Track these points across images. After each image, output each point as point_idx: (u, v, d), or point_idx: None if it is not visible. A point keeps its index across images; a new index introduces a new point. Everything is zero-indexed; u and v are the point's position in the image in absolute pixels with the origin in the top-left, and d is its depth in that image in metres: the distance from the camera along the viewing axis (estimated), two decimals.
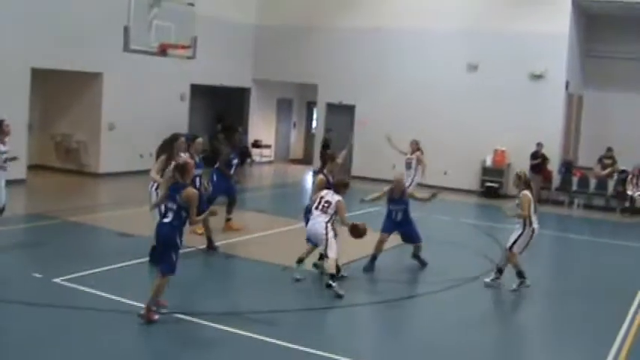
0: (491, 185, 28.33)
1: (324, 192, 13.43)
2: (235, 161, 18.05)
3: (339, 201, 13.12)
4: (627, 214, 26.13)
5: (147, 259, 13.75)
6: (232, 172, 17.86)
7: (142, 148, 25.35)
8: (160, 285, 10.64)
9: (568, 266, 17.80)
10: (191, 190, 10.60)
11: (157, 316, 10.59)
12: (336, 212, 13.09)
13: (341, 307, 12.29)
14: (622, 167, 27.43)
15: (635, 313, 13.08)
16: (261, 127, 34.45)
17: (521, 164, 27.09)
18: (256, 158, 33.83)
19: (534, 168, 27.16)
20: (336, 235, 13.06)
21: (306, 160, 35.62)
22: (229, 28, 30.90)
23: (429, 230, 13.84)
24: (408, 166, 22.52)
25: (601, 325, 12.31)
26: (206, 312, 11.17)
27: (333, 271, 12.78)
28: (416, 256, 15.12)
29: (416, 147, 22.66)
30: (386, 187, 15.09)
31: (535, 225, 13.89)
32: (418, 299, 13.46)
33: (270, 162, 34.86)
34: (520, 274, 14.01)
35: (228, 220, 17.84)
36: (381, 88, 30.36)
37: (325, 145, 29.10)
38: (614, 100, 29.76)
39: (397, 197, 14.61)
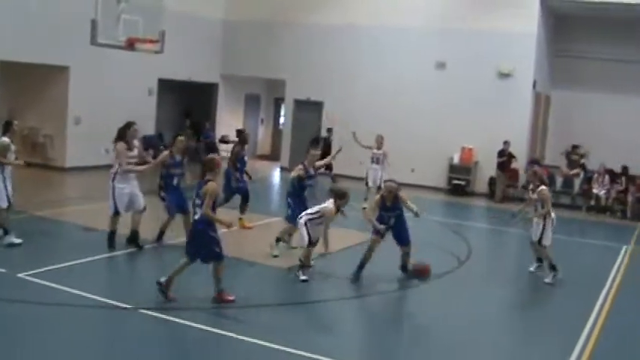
0: (459, 183, 28.43)
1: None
2: (245, 158, 18.31)
3: (325, 207, 13.62)
4: (593, 213, 26.33)
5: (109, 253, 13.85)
6: (241, 168, 18.05)
7: (108, 142, 24.95)
8: (218, 271, 11.38)
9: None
10: (211, 184, 11.05)
11: (231, 297, 11.46)
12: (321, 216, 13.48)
13: (311, 302, 12.32)
14: (588, 166, 27.69)
15: (601, 309, 13.18)
16: (229, 122, 34.32)
17: (489, 162, 27.48)
18: (223, 154, 33.69)
19: (501, 166, 27.36)
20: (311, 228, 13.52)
21: (274, 157, 35.55)
22: (198, 22, 30.76)
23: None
24: (376, 160, 22.63)
25: (567, 322, 12.38)
26: (172, 307, 11.09)
27: (306, 262, 13.41)
28: (404, 267, 14.41)
29: (382, 142, 22.79)
30: (376, 196, 14.84)
31: (553, 215, 15.02)
32: (385, 296, 13.43)
33: None
34: (553, 267, 14.87)
35: (240, 219, 17.78)
36: (350, 85, 30.37)
37: (315, 140, 28.64)
38: (581, 100, 29.95)
39: (390, 204, 14.09)
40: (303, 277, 13.32)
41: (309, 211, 13.87)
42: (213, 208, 11.09)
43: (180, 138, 15.61)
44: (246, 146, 18.51)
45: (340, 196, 13.61)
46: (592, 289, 14.71)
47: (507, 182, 27.99)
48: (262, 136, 37.60)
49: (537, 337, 11.72)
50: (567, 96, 30.34)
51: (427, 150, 28.64)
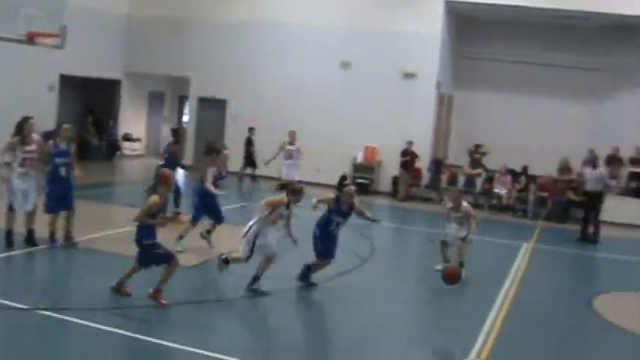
0: (362, 182, 28.55)
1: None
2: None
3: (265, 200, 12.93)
4: (494, 212, 26.76)
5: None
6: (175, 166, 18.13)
7: (6, 139, 24.47)
8: (167, 271, 11.27)
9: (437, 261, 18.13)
10: (153, 198, 11.20)
11: (164, 301, 11.21)
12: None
13: (210, 301, 12.19)
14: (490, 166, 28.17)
15: (502, 305, 13.39)
16: (132, 120, 33.87)
17: (392, 161, 27.70)
18: (126, 152, 33.31)
19: (404, 165, 27.61)
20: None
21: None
22: (101, 17, 30.19)
23: (301, 227, 13.74)
24: (289, 156, 22.69)
25: (469, 317, 12.54)
26: (70, 307, 10.84)
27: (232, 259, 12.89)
28: (305, 276, 13.69)
29: (295, 137, 22.87)
30: (331, 194, 14.19)
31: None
32: (288, 295, 13.35)
33: (140, 156, 34.24)
34: (461, 264, 15.09)
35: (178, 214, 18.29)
36: (255, 83, 30.21)
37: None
38: (483, 101, 30.53)
39: (345, 209, 13.50)
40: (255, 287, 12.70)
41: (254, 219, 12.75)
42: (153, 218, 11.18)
43: (66, 126, 15.14)
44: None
45: (294, 192, 12.88)
46: (494, 285, 14.94)
47: (410, 181, 28.26)
48: (166, 134, 37.08)
49: (440, 333, 11.82)
50: (470, 96, 30.83)
51: (332, 149, 28.62)
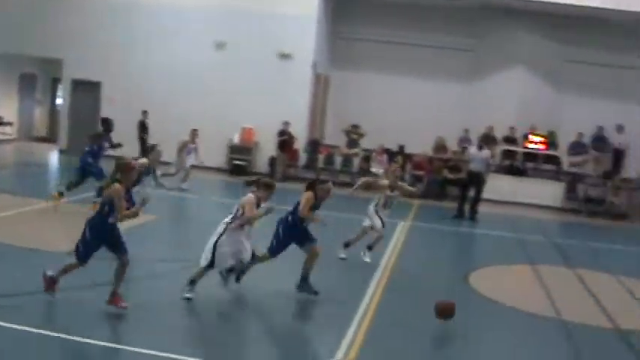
0: (239, 163, 28.38)
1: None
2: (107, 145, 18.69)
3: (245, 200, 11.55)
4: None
5: None
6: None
7: None
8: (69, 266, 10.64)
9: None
10: (114, 186, 10.34)
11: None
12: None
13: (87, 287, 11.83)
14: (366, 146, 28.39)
15: (378, 282, 13.52)
16: (2, 103, 32.76)
17: (269, 142, 27.65)
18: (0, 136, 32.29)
19: (281, 146, 27.58)
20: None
21: (51, 139, 34.23)
22: None
23: (180, 209, 13.48)
24: (188, 152, 22.81)
25: (345, 297, 12.57)
26: None
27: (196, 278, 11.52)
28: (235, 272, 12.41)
29: (196, 135, 23.46)
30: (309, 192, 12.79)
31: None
32: (172, 275, 13.12)
33: (12, 140, 33.16)
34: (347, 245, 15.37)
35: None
36: (129, 65, 29.44)
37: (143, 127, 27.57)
38: (360, 81, 30.62)
39: (317, 204, 12.61)
40: (188, 295, 11.37)
41: (226, 220, 11.54)
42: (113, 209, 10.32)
43: None
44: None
45: (268, 186, 11.77)
46: (370, 264, 15.05)
47: (288, 162, 28.25)
48: (39, 117, 36.11)
49: (316, 315, 11.83)
50: (347, 77, 30.88)
51: (208, 131, 27.97)
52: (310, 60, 28.57)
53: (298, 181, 27.07)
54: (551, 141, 29.43)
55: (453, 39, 30.17)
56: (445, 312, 11.30)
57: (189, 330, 10.70)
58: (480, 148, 23.49)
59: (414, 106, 30.00)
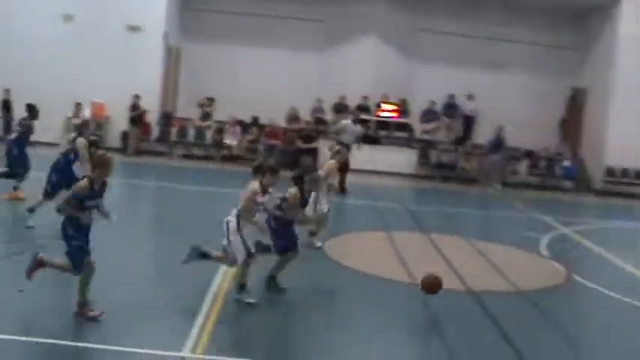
0: (91, 138, 27.58)
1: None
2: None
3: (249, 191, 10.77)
4: (226, 162, 26.84)
5: None
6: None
7: None
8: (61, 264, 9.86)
9: (169, 215, 17.91)
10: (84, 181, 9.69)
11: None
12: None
13: None
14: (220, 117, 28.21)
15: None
16: None
17: (121, 117, 27.10)
18: None
19: (133, 120, 27.12)
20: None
21: None
22: None
23: None
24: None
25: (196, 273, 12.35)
26: None
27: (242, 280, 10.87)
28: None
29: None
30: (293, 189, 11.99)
31: None
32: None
33: None
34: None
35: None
36: None
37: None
38: (212, 53, 30.27)
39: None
40: (249, 300, 10.74)
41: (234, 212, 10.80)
42: (82, 203, 9.49)
43: None
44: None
45: (274, 171, 10.91)
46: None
47: (140, 137, 27.79)
48: None
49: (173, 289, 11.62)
50: (199, 48, 30.41)
51: (57, 106, 27.08)
52: (161, 32, 28.07)
53: (151, 155, 26.78)
54: (403, 109, 29.85)
55: (303, 8, 30.15)
56: (433, 287, 11.15)
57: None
58: (354, 122, 23.96)
59: (268, 77, 29.85)
